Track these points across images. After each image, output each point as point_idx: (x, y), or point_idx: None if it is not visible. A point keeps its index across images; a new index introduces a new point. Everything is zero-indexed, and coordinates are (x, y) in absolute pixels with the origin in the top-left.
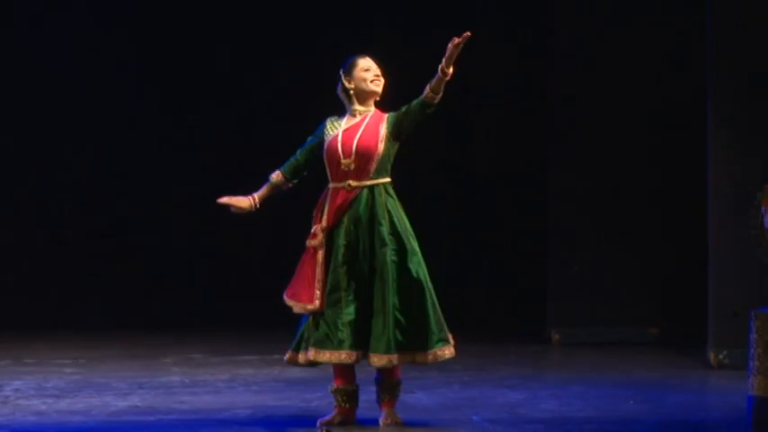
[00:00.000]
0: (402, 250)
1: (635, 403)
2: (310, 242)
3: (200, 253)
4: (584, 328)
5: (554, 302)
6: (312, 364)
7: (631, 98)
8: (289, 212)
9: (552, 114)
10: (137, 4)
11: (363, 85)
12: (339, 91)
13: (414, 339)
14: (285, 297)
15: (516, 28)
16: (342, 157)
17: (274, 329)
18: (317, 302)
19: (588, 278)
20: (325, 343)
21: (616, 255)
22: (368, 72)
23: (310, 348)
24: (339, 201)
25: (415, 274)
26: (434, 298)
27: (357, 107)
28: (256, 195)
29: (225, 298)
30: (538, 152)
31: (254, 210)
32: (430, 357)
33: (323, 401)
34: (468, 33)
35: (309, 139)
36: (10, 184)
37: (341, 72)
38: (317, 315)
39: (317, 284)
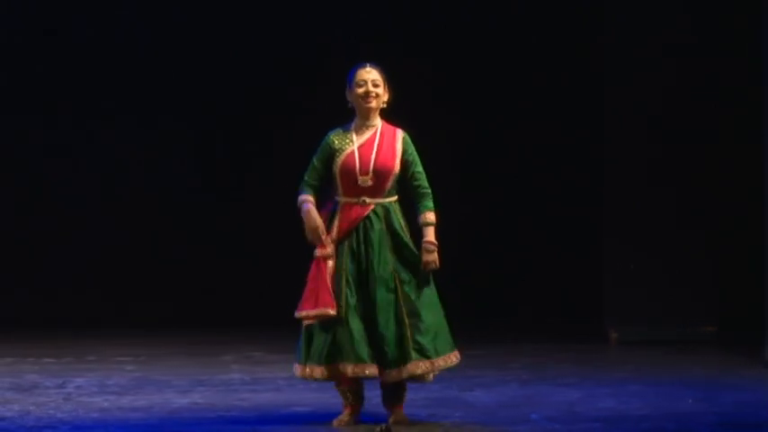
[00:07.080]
0: (407, 266)
1: (693, 402)
2: (321, 252)
3: (256, 253)
4: (642, 327)
5: (611, 301)
6: (331, 378)
7: (691, 92)
8: None
9: (609, 113)
10: None
11: (359, 102)
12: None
13: (427, 346)
14: (302, 309)
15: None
16: (359, 173)
17: None
18: (335, 310)
19: (645, 276)
20: (348, 356)
21: (673, 253)
22: (361, 88)
23: (342, 362)
24: (353, 215)
25: (420, 287)
26: (441, 309)
27: (362, 121)
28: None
29: (281, 297)
30: (593, 152)
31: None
32: (440, 363)
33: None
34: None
35: (316, 162)
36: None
37: (347, 82)
38: (330, 326)
39: (333, 293)
